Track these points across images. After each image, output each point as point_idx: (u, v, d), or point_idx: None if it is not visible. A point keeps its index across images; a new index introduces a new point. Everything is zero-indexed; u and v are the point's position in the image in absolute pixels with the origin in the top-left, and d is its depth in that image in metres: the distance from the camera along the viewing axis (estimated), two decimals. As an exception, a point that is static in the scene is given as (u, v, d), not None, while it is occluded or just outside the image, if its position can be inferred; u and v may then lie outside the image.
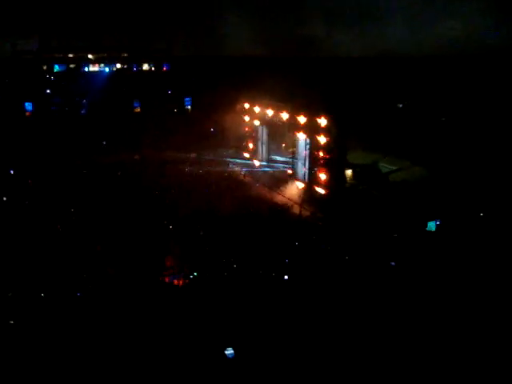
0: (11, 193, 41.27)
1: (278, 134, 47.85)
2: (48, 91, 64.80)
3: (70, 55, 70.01)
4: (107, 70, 70.55)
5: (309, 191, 42.14)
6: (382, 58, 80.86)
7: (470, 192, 38.01)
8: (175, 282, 26.29)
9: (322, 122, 40.61)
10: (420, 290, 23.93)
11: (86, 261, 28.11)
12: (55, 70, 68.46)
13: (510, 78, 65.95)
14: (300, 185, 43.38)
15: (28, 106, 61.89)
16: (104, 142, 56.61)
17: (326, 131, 40.88)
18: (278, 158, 49.13)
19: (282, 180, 45.78)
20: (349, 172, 44.25)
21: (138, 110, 65.45)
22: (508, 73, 68.83)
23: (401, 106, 67.52)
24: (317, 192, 41.20)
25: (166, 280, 26.34)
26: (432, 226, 32.80)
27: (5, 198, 40.11)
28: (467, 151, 48.52)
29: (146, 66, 72.46)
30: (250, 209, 37.71)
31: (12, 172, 48.27)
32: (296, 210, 39.19)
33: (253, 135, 51.02)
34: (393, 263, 26.94)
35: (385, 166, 48.73)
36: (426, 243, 30.18)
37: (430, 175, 45.62)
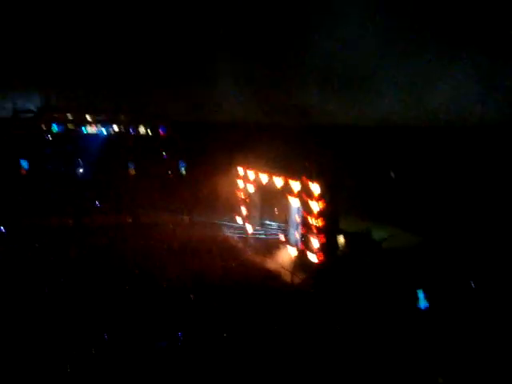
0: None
1: (272, 199, 48.14)
2: (45, 150, 65.41)
3: (69, 115, 71.30)
4: (104, 131, 71.69)
5: (301, 258, 41.95)
6: (377, 128, 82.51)
7: (463, 259, 38.12)
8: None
9: (315, 188, 41.00)
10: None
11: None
12: (54, 130, 69.49)
13: (502, 149, 67.44)
14: (292, 251, 43.25)
15: (24, 163, 62.26)
16: (97, 203, 56.64)
17: (319, 198, 41.20)
18: (271, 224, 49.23)
19: (274, 246, 45.65)
20: (341, 239, 44.20)
21: (133, 172, 65.93)
22: (500, 144, 70.39)
23: (393, 174, 68.39)
24: (309, 259, 41.02)
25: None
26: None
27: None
28: (460, 219, 49.00)
29: (142, 129, 73.71)
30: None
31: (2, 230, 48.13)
32: (287, 277, 38.90)
33: (246, 200, 51.30)
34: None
35: (377, 234, 48.82)
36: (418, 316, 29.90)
37: (423, 241, 45.82)
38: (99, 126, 71.91)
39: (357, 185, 54.33)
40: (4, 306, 29.74)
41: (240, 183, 52.10)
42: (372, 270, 39.56)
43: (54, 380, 22.09)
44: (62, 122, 70.60)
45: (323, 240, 40.61)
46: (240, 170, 52.10)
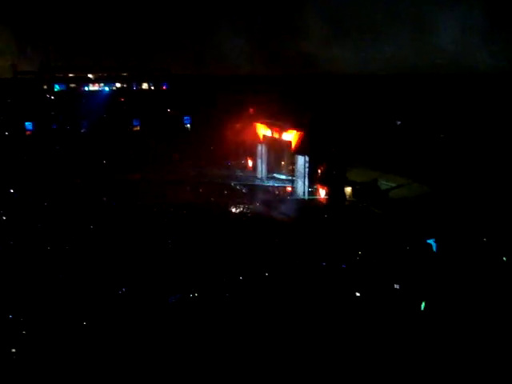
0: (11, 211, 41.36)
1: (278, 151, 47.95)
2: (48, 110, 65.02)
3: (71, 75, 70.50)
4: (107, 89, 70.99)
5: (308, 208, 42.09)
6: (381, 76, 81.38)
7: (470, 208, 38.09)
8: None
9: (321, 139, 40.77)
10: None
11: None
12: (56, 90, 68.87)
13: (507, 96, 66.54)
14: (300, 201, 43.37)
15: (28, 125, 62.09)
16: (104, 161, 56.66)
17: (325, 148, 41.09)
18: (278, 176, 49.18)
19: (282, 197, 45.76)
20: (348, 189, 44.21)
21: (138, 128, 65.63)
22: (506, 91, 69.43)
23: (399, 123, 67.80)
24: (316, 209, 41.16)
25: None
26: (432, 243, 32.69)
27: (4, 218, 40.17)
28: (467, 167, 48.76)
29: (145, 85, 72.90)
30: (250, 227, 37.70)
31: (12, 191, 48.37)
32: (295, 226, 39.09)
33: (252, 153, 51.10)
34: (397, 286, 26.85)
35: (384, 184, 48.79)
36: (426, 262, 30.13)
37: (430, 191, 45.72)
38: (101, 83, 71.14)
39: (365, 135, 53.92)
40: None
41: (246, 136, 51.71)
42: (378, 218, 39.77)
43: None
44: (63, 81, 69.82)
45: (329, 190, 40.76)
46: (246, 123, 51.66)
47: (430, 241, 33.01)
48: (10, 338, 21.59)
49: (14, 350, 20.67)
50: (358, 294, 25.97)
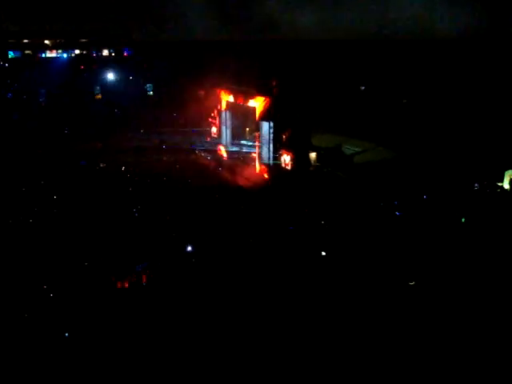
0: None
1: (242, 118, 47.51)
2: (3, 79, 62.70)
3: (26, 41, 67.90)
4: (65, 56, 68.79)
5: (273, 174, 42.12)
6: (343, 41, 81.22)
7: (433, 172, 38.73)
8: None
9: (286, 104, 40.54)
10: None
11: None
12: (10, 57, 66.32)
13: (470, 61, 67.34)
14: (265, 168, 43.31)
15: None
16: (66, 131, 55.26)
17: (290, 114, 40.93)
18: (243, 142, 48.86)
19: (246, 164, 45.64)
20: (313, 155, 44.29)
21: (100, 96, 64.02)
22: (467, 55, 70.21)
23: (363, 88, 68.08)
24: (281, 175, 41.21)
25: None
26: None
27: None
28: (429, 131, 49.41)
29: (105, 52, 70.97)
30: (216, 195, 37.49)
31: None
32: (260, 193, 39.12)
33: (216, 119, 50.57)
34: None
35: (349, 149, 49.09)
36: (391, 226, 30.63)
37: (394, 156, 46.25)
38: (59, 50, 68.82)
39: (330, 100, 53.92)
40: None
41: (210, 103, 51.06)
42: (343, 183, 40.11)
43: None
44: (18, 47, 67.19)
45: (294, 155, 40.75)
46: (208, 90, 50.97)
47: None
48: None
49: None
50: (323, 253, 26.29)
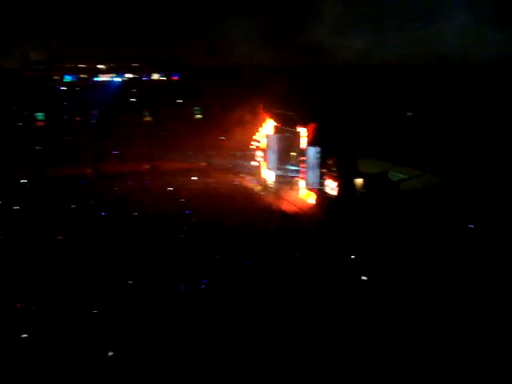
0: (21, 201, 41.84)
1: (288, 142, 47.74)
2: (59, 101, 65.20)
3: (81, 65, 70.70)
4: (117, 79, 71.14)
5: (319, 200, 42.08)
6: (390, 67, 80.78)
7: (483, 199, 37.90)
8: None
9: (332, 130, 40.65)
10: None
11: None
12: (66, 80, 69.10)
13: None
14: (310, 194, 43.32)
15: (39, 115, 62.33)
16: (115, 152, 56.88)
17: (336, 140, 40.98)
18: (288, 167, 48.96)
19: (291, 188, 45.79)
20: (359, 181, 44.03)
21: (149, 118, 65.69)
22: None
23: (410, 114, 67.38)
24: (327, 201, 41.11)
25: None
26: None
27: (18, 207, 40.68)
28: (478, 159, 48.39)
29: (155, 76, 72.98)
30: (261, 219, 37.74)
31: (23, 181, 48.90)
32: (306, 218, 39.14)
33: (262, 143, 51.00)
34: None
35: (395, 175, 48.56)
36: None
37: (442, 183, 45.46)
38: (112, 74, 71.26)
39: (376, 126, 53.61)
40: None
41: (257, 128, 51.65)
42: (389, 210, 39.64)
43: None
44: (73, 71, 70.01)
45: (340, 181, 40.62)
46: (255, 114, 51.55)
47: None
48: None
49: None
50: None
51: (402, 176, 48.33)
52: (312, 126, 43.33)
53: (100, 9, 79.60)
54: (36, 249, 31.17)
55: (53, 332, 21.50)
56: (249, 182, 50.31)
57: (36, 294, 25.11)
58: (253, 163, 52.57)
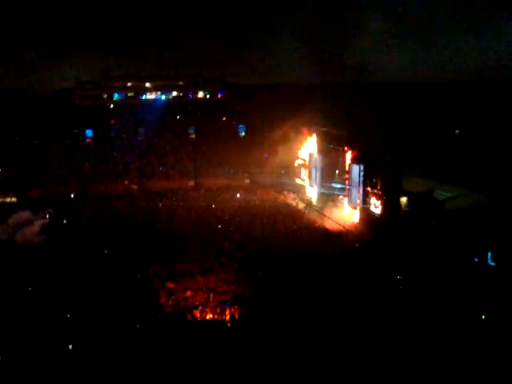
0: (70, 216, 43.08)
1: (333, 160, 47.47)
2: (108, 119, 67.09)
3: (129, 84, 72.74)
4: (163, 97, 72.74)
5: (363, 218, 41.59)
6: (437, 84, 79.65)
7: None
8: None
9: (377, 148, 40.27)
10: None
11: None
12: (115, 99, 71.18)
13: None
14: (355, 212, 42.87)
15: (88, 132, 64.30)
16: (160, 168, 57.96)
17: (381, 158, 40.52)
18: (332, 185, 48.64)
19: (337, 207, 45.43)
20: (404, 199, 43.31)
21: (193, 136, 66.73)
22: None
23: (457, 131, 66.06)
24: (371, 219, 40.59)
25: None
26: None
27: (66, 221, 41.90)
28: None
29: (200, 94, 74.28)
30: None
31: (72, 196, 50.43)
32: (350, 237, 38.71)
33: (306, 161, 50.94)
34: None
35: (441, 194, 47.54)
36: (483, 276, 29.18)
37: (490, 202, 44.12)
38: (158, 92, 72.97)
39: (422, 144, 52.72)
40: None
41: (301, 146, 51.68)
42: (435, 230, 38.74)
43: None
44: (122, 90, 72.09)
45: (384, 200, 40.06)
46: (299, 132, 51.63)
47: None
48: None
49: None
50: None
51: (447, 195, 47.27)
52: (356, 143, 43.06)
53: (148, 28, 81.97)
54: (84, 261, 31.99)
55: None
56: (292, 200, 50.22)
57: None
58: (297, 181, 52.47)
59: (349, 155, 43.84)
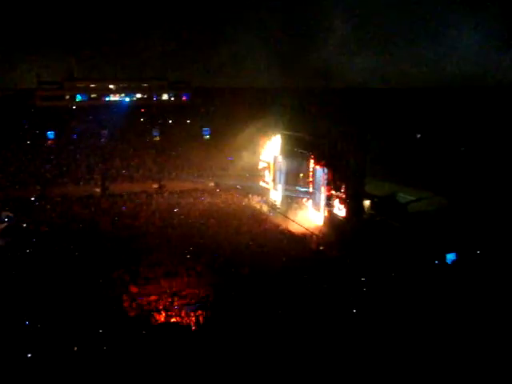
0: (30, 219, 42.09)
1: (297, 163, 47.72)
2: (70, 120, 65.86)
3: (92, 85, 71.67)
4: (127, 99, 71.92)
5: (327, 221, 41.96)
6: (399, 90, 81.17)
7: (491, 223, 37.52)
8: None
9: (341, 151, 40.70)
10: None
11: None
12: (77, 100, 69.99)
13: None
14: (318, 215, 43.22)
15: (50, 134, 63.01)
16: (124, 171, 57.18)
17: (345, 162, 40.96)
18: (296, 188, 48.89)
19: (301, 210, 45.70)
20: (367, 202, 43.87)
21: (158, 138, 66.18)
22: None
23: (419, 136, 67.40)
24: (334, 222, 40.99)
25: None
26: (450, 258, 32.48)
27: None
28: (488, 181, 48.09)
29: (165, 96, 73.78)
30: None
31: (33, 199, 49.21)
32: (314, 240, 39.01)
33: (270, 164, 51.06)
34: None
35: (403, 197, 48.35)
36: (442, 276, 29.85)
37: (450, 205, 45.12)
38: (122, 94, 72.14)
39: (384, 147, 53.46)
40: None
41: (264, 149, 51.75)
42: (398, 232, 39.39)
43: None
44: (85, 91, 70.97)
45: (348, 203, 40.51)
46: (263, 136, 51.71)
47: (450, 255, 32.77)
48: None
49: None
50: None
51: (410, 198, 48.11)
52: (320, 147, 43.41)
53: (112, 30, 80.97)
54: (45, 265, 31.26)
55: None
56: (257, 203, 50.28)
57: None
58: (261, 184, 52.56)
59: (312, 159, 44.20)
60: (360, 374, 19.89)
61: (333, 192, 41.68)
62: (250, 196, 51.60)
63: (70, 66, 70.98)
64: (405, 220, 42.17)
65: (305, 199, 46.19)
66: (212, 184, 55.22)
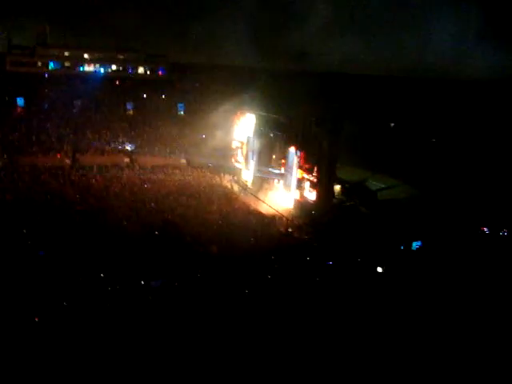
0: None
1: (270, 144, 47.67)
2: (41, 88, 64.25)
3: (66, 53, 69.90)
4: (102, 70, 70.49)
5: (297, 204, 42.15)
6: (376, 77, 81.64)
7: (458, 212, 38.36)
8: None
9: (314, 135, 40.78)
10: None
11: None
12: (50, 68, 68.24)
13: (499, 102, 67.05)
14: (289, 197, 43.35)
15: (20, 101, 61.36)
16: (95, 143, 56.19)
17: (318, 145, 41.08)
18: (268, 169, 48.90)
19: (272, 191, 45.78)
20: (337, 187, 44.27)
21: (131, 112, 65.16)
22: (498, 97, 69.93)
23: (393, 125, 68.13)
24: (304, 205, 41.22)
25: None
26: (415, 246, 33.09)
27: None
28: (457, 172, 49.04)
29: (141, 70, 72.57)
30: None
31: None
32: (283, 222, 39.15)
33: (243, 144, 50.81)
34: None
35: (374, 184, 48.98)
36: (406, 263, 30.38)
37: (419, 194, 45.91)
38: (97, 64, 70.62)
39: (357, 134, 53.89)
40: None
41: (237, 128, 51.44)
42: (366, 218, 39.93)
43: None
44: (58, 59, 69.18)
45: (319, 187, 40.73)
46: (237, 114, 51.34)
47: (417, 243, 33.36)
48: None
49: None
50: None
51: (380, 185, 48.78)
52: (294, 129, 43.42)
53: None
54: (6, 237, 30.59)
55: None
56: (228, 182, 50.11)
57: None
58: (233, 163, 52.32)
59: (286, 140, 44.18)
60: (315, 353, 20.12)
61: (304, 175, 41.80)
62: (222, 175, 51.35)
63: (43, 31, 68.93)
64: (374, 206, 42.79)
65: (276, 181, 46.26)
66: (184, 161, 54.75)
